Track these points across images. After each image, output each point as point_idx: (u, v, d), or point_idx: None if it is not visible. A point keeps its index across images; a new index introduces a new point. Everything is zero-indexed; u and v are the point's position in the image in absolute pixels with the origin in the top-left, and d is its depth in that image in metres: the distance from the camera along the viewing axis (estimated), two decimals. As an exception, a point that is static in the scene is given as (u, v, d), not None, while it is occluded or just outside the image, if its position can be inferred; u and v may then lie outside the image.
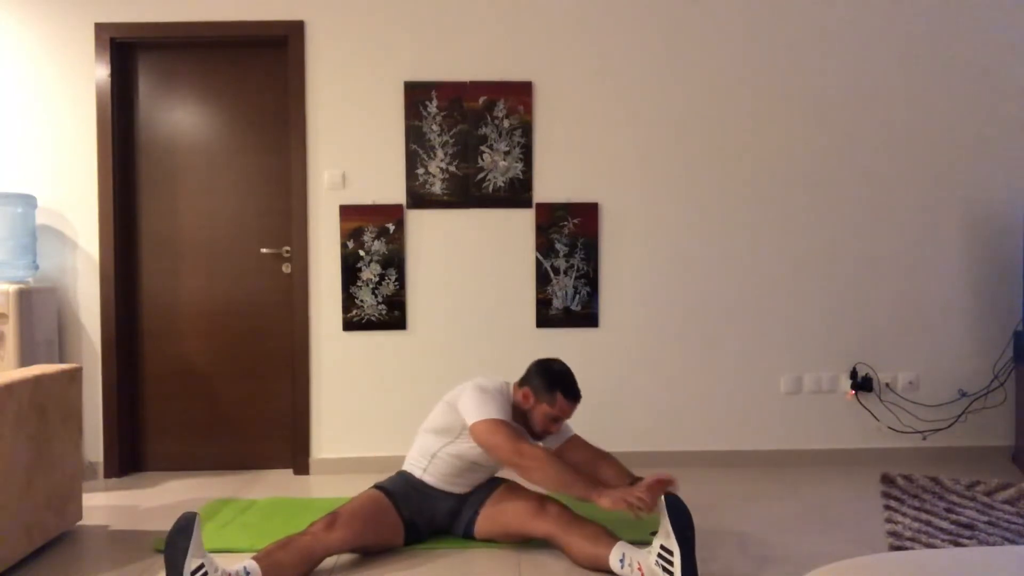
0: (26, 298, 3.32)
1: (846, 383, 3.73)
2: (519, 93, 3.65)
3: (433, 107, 3.64)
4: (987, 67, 3.72)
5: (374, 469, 3.64)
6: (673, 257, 3.71)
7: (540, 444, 2.60)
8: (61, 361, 3.62)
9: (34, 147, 3.63)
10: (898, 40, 3.71)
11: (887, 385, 3.73)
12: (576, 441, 2.70)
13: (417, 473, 2.64)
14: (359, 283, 3.66)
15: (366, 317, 3.66)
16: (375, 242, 3.65)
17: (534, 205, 3.67)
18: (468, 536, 2.67)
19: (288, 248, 3.75)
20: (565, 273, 3.68)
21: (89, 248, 3.65)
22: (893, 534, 2.68)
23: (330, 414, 3.67)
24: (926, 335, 3.74)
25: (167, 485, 3.52)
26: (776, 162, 3.71)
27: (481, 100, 3.65)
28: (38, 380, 2.59)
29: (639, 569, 2.23)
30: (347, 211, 3.64)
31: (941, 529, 2.71)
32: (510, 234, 3.69)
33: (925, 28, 3.71)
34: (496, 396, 2.53)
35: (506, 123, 3.66)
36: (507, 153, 3.66)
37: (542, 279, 3.68)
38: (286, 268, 3.76)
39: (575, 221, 3.67)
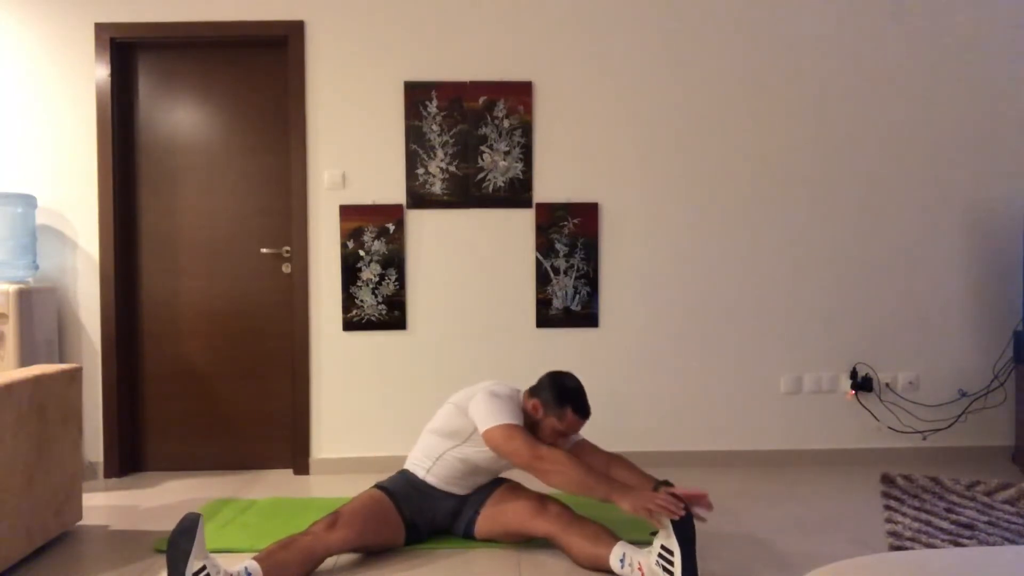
0: (26, 298, 3.32)
1: (846, 383, 3.73)
2: (519, 93, 3.65)
3: (433, 107, 3.64)
4: (987, 67, 3.72)
5: (374, 469, 3.64)
6: (673, 257, 3.71)
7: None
8: (61, 361, 3.62)
9: (34, 147, 3.63)
10: (898, 40, 3.71)
11: (887, 385, 3.74)
12: (585, 445, 2.69)
13: (420, 473, 2.64)
14: (359, 283, 3.66)
15: (366, 317, 3.66)
16: (375, 242, 3.65)
17: (534, 205, 3.67)
18: (468, 536, 2.67)
19: (288, 248, 3.75)
20: (565, 273, 3.68)
21: (89, 248, 3.65)
22: (893, 534, 2.68)
23: (330, 414, 3.67)
24: (926, 335, 3.74)
25: (167, 485, 3.52)
26: (776, 162, 3.71)
27: (481, 100, 3.65)
28: (38, 380, 2.59)
29: (639, 569, 2.23)
30: (347, 211, 3.64)
31: (941, 529, 2.71)
32: (510, 234, 3.69)
33: (925, 28, 3.71)
34: (508, 403, 2.52)
35: (506, 123, 3.66)
36: (507, 153, 3.67)
37: (542, 279, 3.68)
38: (286, 268, 3.76)
39: (575, 221, 3.68)
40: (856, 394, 3.72)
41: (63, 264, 3.65)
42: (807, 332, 3.73)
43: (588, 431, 3.66)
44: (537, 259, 3.68)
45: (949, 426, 3.74)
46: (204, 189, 3.75)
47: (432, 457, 2.61)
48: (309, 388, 3.67)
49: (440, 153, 3.65)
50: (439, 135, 3.65)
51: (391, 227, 3.66)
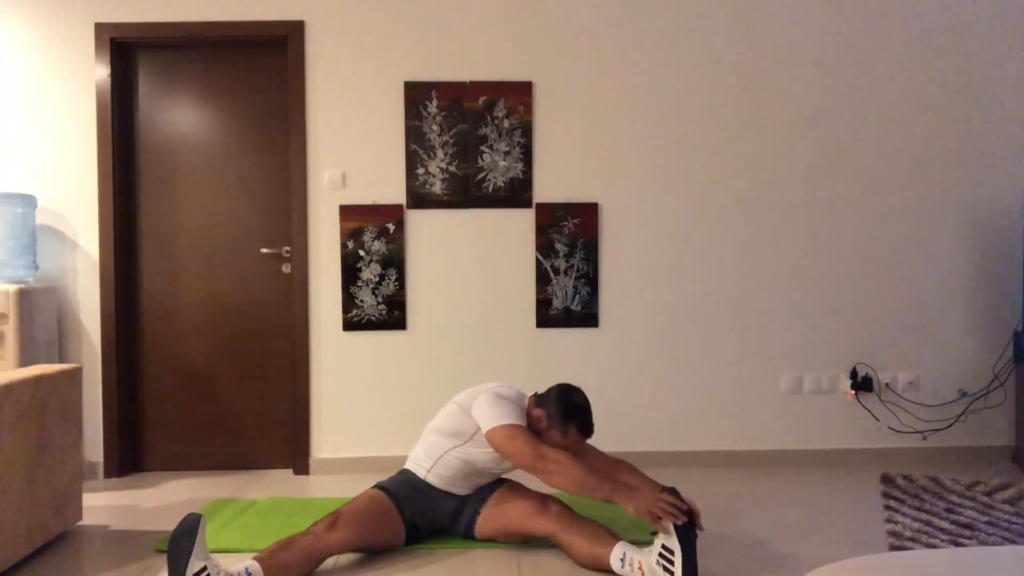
0: (26, 298, 3.32)
1: (846, 383, 3.73)
2: (519, 93, 3.65)
3: (433, 107, 3.64)
4: (987, 67, 3.72)
5: (374, 469, 3.64)
6: (673, 257, 3.71)
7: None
8: (61, 361, 3.62)
9: (34, 147, 3.63)
10: (898, 40, 3.71)
11: (887, 385, 3.74)
12: (589, 449, 2.68)
13: (420, 473, 2.64)
14: (359, 283, 3.66)
15: (366, 317, 3.66)
16: (375, 242, 3.65)
17: (534, 205, 3.68)
18: (469, 536, 2.67)
19: (288, 248, 3.75)
20: (565, 273, 3.68)
21: (89, 248, 3.65)
22: (893, 534, 2.68)
23: (330, 414, 3.67)
24: (926, 335, 3.74)
25: (167, 485, 3.52)
26: (776, 162, 3.72)
27: (481, 100, 3.65)
28: (38, 380, 2.59)
29: (640, 569, 2.23)
30: (347, 211, 3.64)
31: (941, 529, 2.71)
32: (510, 234, 3.69)
33: (925, 28, 3.71)
34: (512, 405, 2.52)
35: (506, 123, 3.66)
36: (507, 153, 3.67)
37: (542, 279, 3.68)
38: (286, 268, 3.76)
39: (575, 221, 3.68)
40: (856, 394, 3.72)
41: (63, 264, 3.65)
42: (807, 332, 3.73)
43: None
44: (537, 259, 3.68)
45: (949, 426, 3.74)
46: (204, 189, 3.75)
47: (433, 457, 2.61)
48: (309, 388, 3.67)
49: (440, 153, 3.65)
50: (439, 135, 3.65)
51: (391, 227, 3.66)
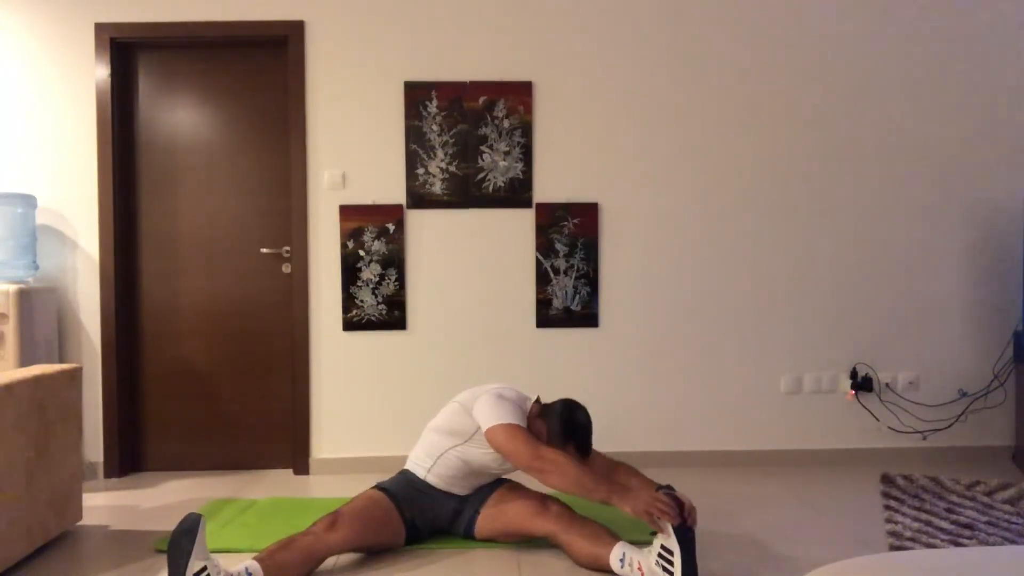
0: (26, 298, 3.32)
1: (846, 383, 3.73)
2: (519, 93, 3.65)
3: (433, 107, 3.64)
4: (987, 67, 3.72)
5: (374, 469, 3.64)
6: (673, 257, 3.71)
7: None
8: (61, 361, 3.62)
9: (34, 147, 3.63)
10: (898, 41, 3.71)
11: (887, 385, 3.74)
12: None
13: (420, 473, 2.64)
14: (359, 283, 3.66)
15: (366, 317, 3.66)
16: (375, 242, 3.65)
17: (534, 205, 3.67)
18: (469, 536, 2.67)
19: (288, 248, 3.75)
20: (565, 273, 3.68)
21: (89, 248, 3.65)
22: (893, 534, 2.68)
23: (330, 414, 3.67)
24: (926, 335, 3.74)
25: (167, 485, 3.52)
26: (776, 162, 3.72)
27: (481, 100, 3.65)
28: (38, 380, 2.59)
29: (639, 569, 2.23)
30: (347, 211, 3.64)
31: (941, 529, 2.71)
32: (510, 234, 3.69)
33: (924, 29, 3.71)
34: (513, 406, 2.51)
35: (506, 123, 3.66)
36: (507, 153, 3.67)
37: (542, 279, 3.68)
38: (286, 268, 3.76)
39: (575, 221, 3.68)
40: (856, 394, 3.72)
41: (63, 264, 3.65)
42: (807, 332, 3.73)
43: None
44: (537, 259, 3.68)
45: (949, 426, 3.74)
46: (204, 189, 3.75)
47: (433, 456, 2.61)
48: (309, 388, 3.67)
49: (440, 153, 3.65)
50: (439, 135, 3.65)
51: (391, 227, 3.66)
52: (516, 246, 3.69)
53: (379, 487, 2.62)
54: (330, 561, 2.51)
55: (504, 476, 2.72)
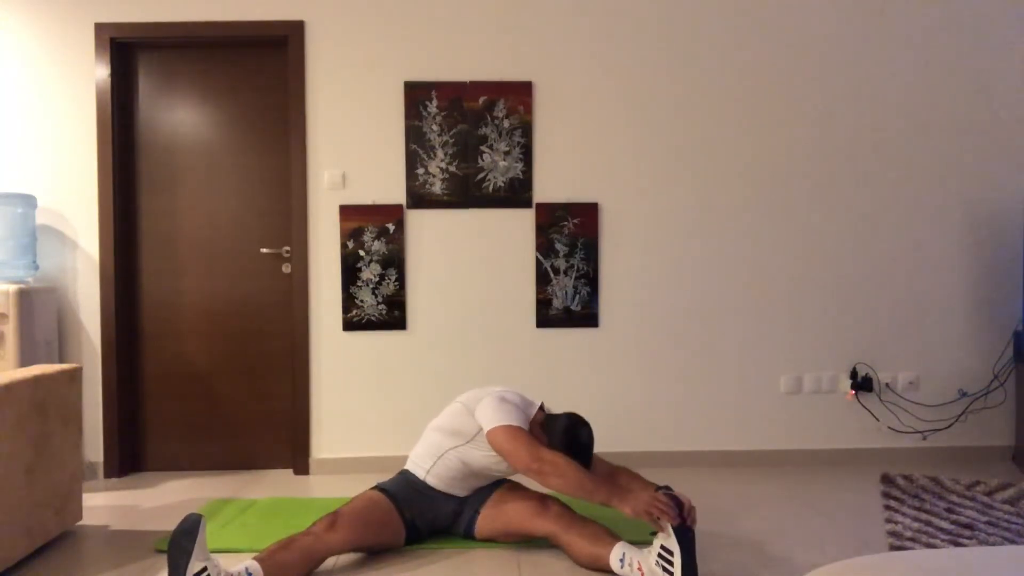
0: (26, 298, 3.32)
1: (846, 383, 3.73)
2: (519, 93, 3.65)
3: (433, 107, 3.64)
4: (986, 67, 3.72)
5: (374, 469, 3.64)
6: (673, 257, 3.71)
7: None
8: (61, 361, 3.62)
9: (34, 147, 3.63)
10: (898, 41, 3.71)
11: (887, 385, 3.74)
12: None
13: (420, 474, 2.64)
14: (359, 283, 3.66)
15: (366, 317, 3.66)
16: (375, 242, 3.65)
17: (534, 205, 3.67)
18: (468, 536, 2.67)
19: (288, 248, 3.75)
20: (565, 273, 3.68)
21: (89, 248, 3.65)
22: (893, 534, 2.68)
23: (330, 414, 3.67)
24: (926, 335, 3.74)
25: (167, 485, 3.52)
26: (776, 162, 3.72)
27: (481, 100, 3.65)
28: (38, 380, 2.59)
29: (639, 569, 2.23)
30: (347, 211, 3.64)
31: (941, 529, 2.71)
32: (510, 234, 3.69)
33: (924, 29, 3.71)
34: (516, 410, 2.51)
35: (506, 123, 3.66)
36: (507, 153, 3.66)
37: (542, 279, 3.68)
38: (286, 268, 3.76)
39: (575, 221, 3.68)
40: (856, 394, 3.72)
41: (63, 264, 3.65)
42: (807, 332, 3.73)
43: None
44: (537, 259, 3.68)
45: (949, 426, 3.74)
46: (204, 189, 3.75)
47: (434, 456, 2.61)
48: (309, 388, 3.67)
49: (440, 153, 3.65)
50: (439, 135, 3.65)
51: (391, 227, 3.66)
52: (516, 246, 3.69)
53: (379, 487, 2.62)
54: (330, 561, 2.51)
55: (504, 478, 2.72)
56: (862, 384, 3.70)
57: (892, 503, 3.03)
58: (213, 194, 3.75)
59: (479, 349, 3.68)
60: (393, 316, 3.67)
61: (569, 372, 3.70)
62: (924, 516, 2.85)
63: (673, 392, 3.72)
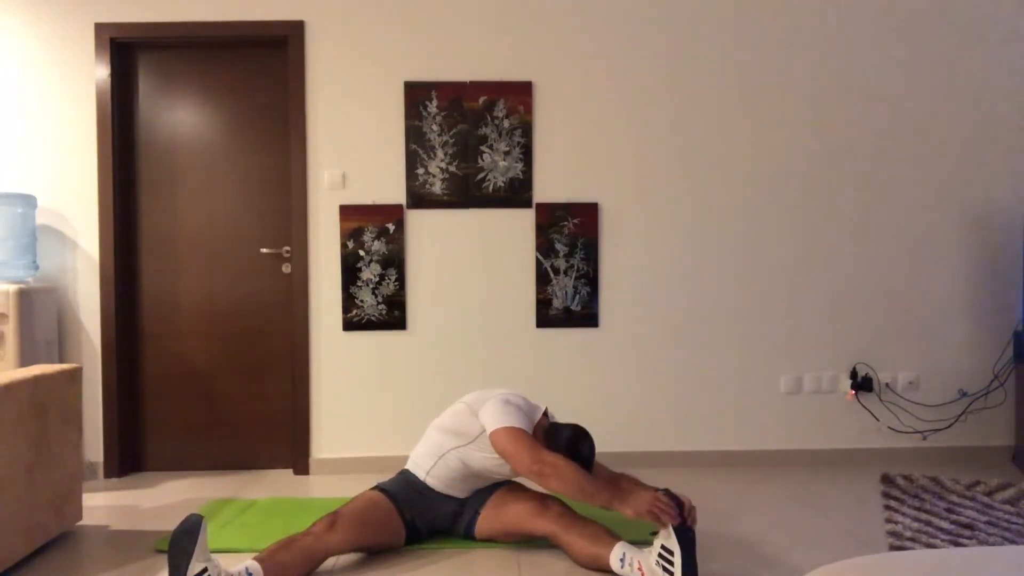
0: (26, 298, 3.32)
1: (846, 383, 3.73)
2: (519, 93, 3.65)
3: (433, 107, 3.64)
4: (986, 67, 3.72)
5: (374, 469, 3.64)
6: (673, 257, 3.71)
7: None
8: (61, 361, 3.62)
9: (34, 147, 3.63)
10: (897, 42, 3.71)
11: (887, 385, 3.74)
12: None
13: (420, 474, 2.64)
14: (359, 283, 3.66)
15: (366, 317, 3.66)
16: (375, 242, 3.65)
17: (534, 205, 3.67)
18: (469, 536, 2.67)
19: (288, 248, 3.75)
20: (565, 273, 3.68)
21: (89, 248, 3.65)
22: (893, 534, 2.68)
23: (330, 414, 3.67)
24: (926, 335, 3.74)
25: (167, 485, 3.51)
26: (776, 162, 3.72)
27: (481, 100, 3.65)
28: (38, 380, 2.59)
29: (639, 569, 2.23)
30: (347, 211, 3.64)
31: (941, 529, 2.71)
32: (510, 234, 3.69)
33: (924, 29, 3.71)
34: (520, 413, 2.51)
35: (506, 123, 3.66)
36: (507, 153, 3.66)
37: (542, 279, 3.68)
38: (286, 268, 3.76)
39: (575, 221, 3.67)
40: (856, 394, 3.72)
41: (63, 264, 3.65)
42: (807, 332, 3.73)
43: (590, 432, 3.66)
44: (537, 259, 3.68)
45: (949, 426, 3.74)
46: (204, 189, 3.75)
47: (435, 456, 2.61)
48: (309, 388, 3.67)
49: (440, 153, 3.65)
50: (439, 135, 3.65)
51: (391, 227, 3.66)
52: (516, 246, 3.69)
53: (379, 488, 2.62)
54: (330, 561, 2.51)
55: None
56: (862, 384, 3.70)
57: (892, 503, 3.03)
58: (213, 194, 3.75)
59: (479, 349, 3.68)
60: (393, 316, 3.67)
61: (569, 372, 3.70)
62: (924, 516, 2.85)
63: (673, 392, 3.72)
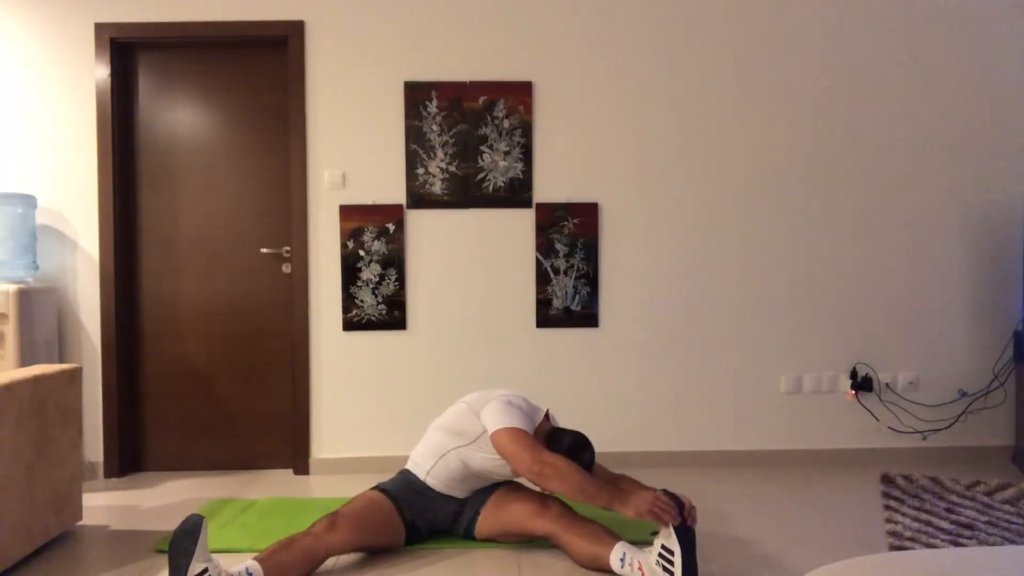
0: (26, 298, 3.32)
1: (846, 383, 3.73)
2: (519, 93, 3.65)
3: (433, 107, 3.64)
4: (986, 67, 3.72)
5: (374, 469, 3.64)
6: (673, 257, 3.71)
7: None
8: (61, 361, 3.62)
9: (34, 147, 3.63)
10: (897, 41, 3.71)
11: (887, 385, 3.74)
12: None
13: (420, 475, 2.64)
14: (359, 283, 3.66)
15: (366, 317, 3.66)
16: (375, 242, 3.65)
17: (534, 205, 3.67)
18: (469, 536, 2.67)
19: (288, 248, 3.75)
20: (565, 273, 3.68)
21: (89, 248, 3.65)
22: (893, 534, 2.68)
23: (330, 414, 3.67)
24: (926, 335, 3.74)
25: (167, 485, 3.51)
26: (776, 162, 3.72)
27: (481, 100, 3.65)
28: (38, 380, 2.59)
29: (640, 569, 2.23)
30: (347, 211, 3.64)
31: (941, 529, 2.71)
32: (510, 234, 3.69)
33: (924, 29, 3.71)
34: (522, 414, 2.51)
35: (506, 123, 3.66)
36: (507, 153, 3.66)
37: (542, 279, 3.68)
38: (286, 268, 3.76)
39: (575, 221, 3.67)
40: (856, 394, 3.72)
41: (63, 264, 3.65)
42: (807, 332, 3.73)
43: (588, 431, 3.67)
44: (537, 259, 3.68)
45: (949, 426, 3.74)
46: (204, 189, 3.75)
47: (435, 456, 2.61)
48: (309, 388, 3.67)
49: (440, 153, 3.65)
50: (439, 135, 3.65)
51: (391, 227, 3.66)
52: (516, 246, 3.69)
53: (379, 488, 2.62)
54: (330, 561, 2.51)
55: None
56: (862, 384, 3.70)
57: (892, 503, 3.03)
58: (213, 194, 3.75)
59: (479, 349, 3.68)
60: (393, 316, 3.67)
61: (569, 372, 3.70)
62: (924, 516, 2.85)
63: (673, 392, 3.72)
